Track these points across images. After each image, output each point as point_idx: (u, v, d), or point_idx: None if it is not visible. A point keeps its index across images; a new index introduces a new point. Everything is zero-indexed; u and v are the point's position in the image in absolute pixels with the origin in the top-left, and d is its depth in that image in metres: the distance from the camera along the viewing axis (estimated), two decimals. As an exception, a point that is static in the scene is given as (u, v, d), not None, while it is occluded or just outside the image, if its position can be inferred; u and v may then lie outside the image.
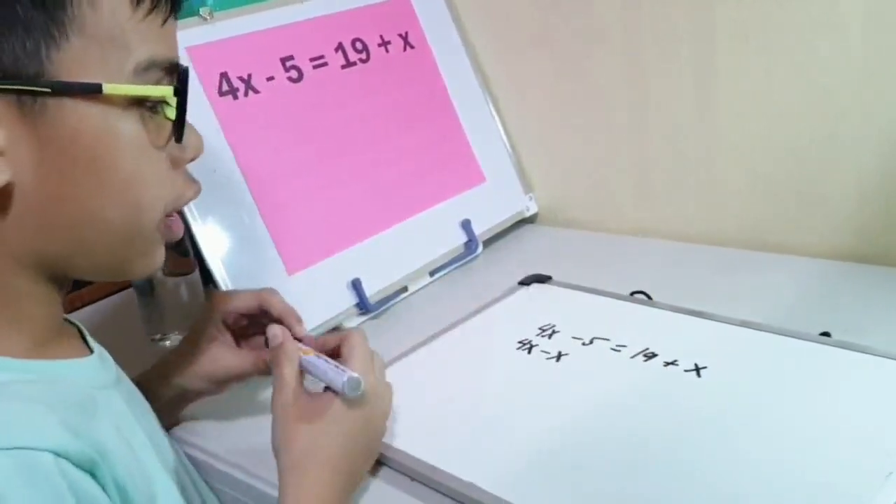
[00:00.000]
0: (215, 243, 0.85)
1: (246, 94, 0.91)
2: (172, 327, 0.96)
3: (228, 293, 0.76)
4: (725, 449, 0.60)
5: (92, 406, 0.55)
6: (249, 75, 0.92)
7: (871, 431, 0.60)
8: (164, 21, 0.54)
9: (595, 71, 1.07)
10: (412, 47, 1.09)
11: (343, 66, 1.01)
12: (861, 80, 0.86)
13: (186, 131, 0.56)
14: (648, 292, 0.86)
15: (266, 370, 0.72)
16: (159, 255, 0.59)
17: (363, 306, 0.93)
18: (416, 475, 0.64)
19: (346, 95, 1.00)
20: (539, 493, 0.59)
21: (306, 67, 0.97)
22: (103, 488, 0.50)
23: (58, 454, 0.47)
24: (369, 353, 0.67)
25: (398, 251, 0.99)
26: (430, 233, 1.03)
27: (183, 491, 0.62)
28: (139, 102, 0.53)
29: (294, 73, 0.96)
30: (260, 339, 0.75)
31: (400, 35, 1.08)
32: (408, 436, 0.68)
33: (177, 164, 0.58)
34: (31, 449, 0.46)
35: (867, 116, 0.87)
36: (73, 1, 0.49)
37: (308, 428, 0.61)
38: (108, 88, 0.50)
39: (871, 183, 0.88)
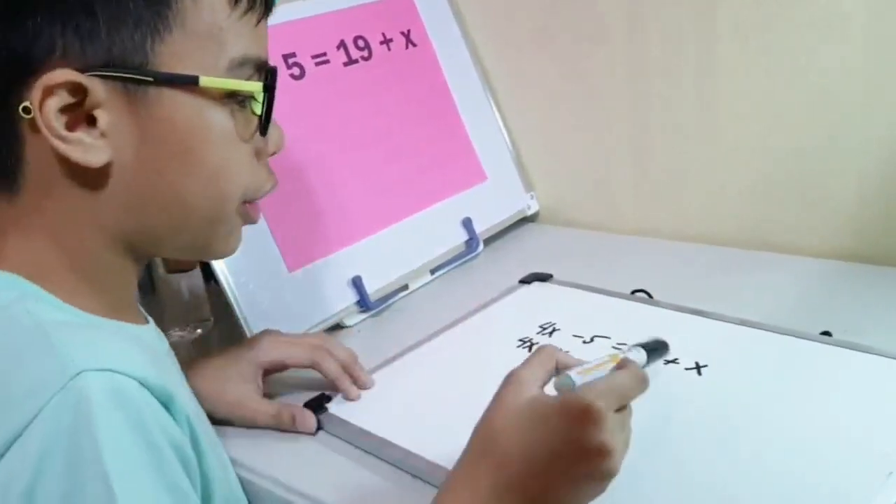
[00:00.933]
0: (217, 240, 0.85)
1: (248, 91, 0.91)
2: (173, 324, 0.96)
3: (279, 340, 0.76)
4: (725, 448, 0.60)
5: (162, 361, 0.59)
6: (251, 72, 0.92)
7: (871, 431, 0.60)
8: (258, 21, 0.58)
9: (597, 70, 1.07)
10: (414, 45, 1.09)
11: (345, 64, 1.01)
12: (862, 81, 0.86)
13: (270, 126, 0.60)
14: (649, 291, 0.86)
15: (287, 425, 0.73)
16: (237, 239, 0.63)
17: (364, 304, 0.94)
18: (417, 472, 0.64)
19: (348, 93, 1.00)
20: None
21: (308, 64, 0.97)
22: (176, 422, 0.53)
23: (141, 384, 0.50)
24: (623, 389, 0.54)
25: (399, 249, 0.99)
26: (431, 231, 1.03)
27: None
28: (231, 96, 0.57)
29: (296, 70, 0.96)
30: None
31: (402, 33, 1.08)
32: (407, 433, 0.68)
33: (260, 156, 0.62)
34: (121, 373, 0.49)
35: (868, 117, 0.87)
36: None
37: (502, 417, 0.53)
38: (204, 81, 0.54)
39: (871, 183, 0.88)
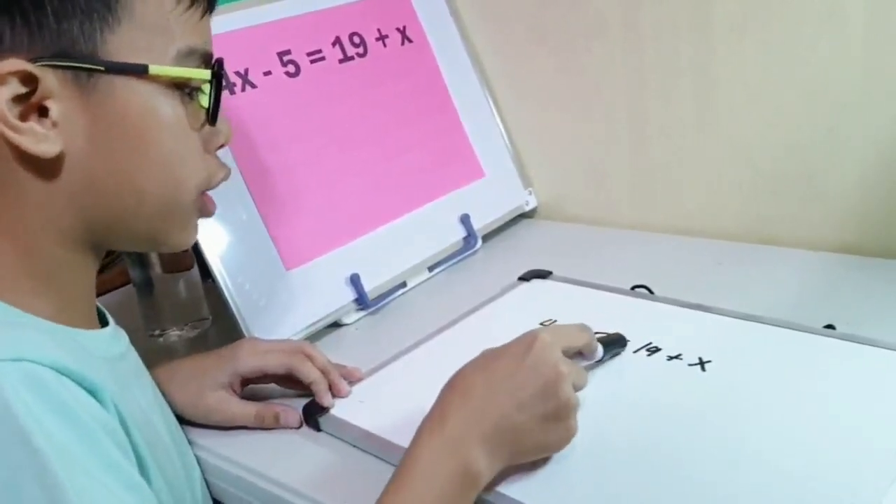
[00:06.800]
0: (213, 239, 0.84)
1: (243, 89, 0.90)
2: (171, 323, 0.96)
3: (256, 348, 0.76)
4: (730, 444, 0.60)
5: (95, 366, 0.57)
6: (246, 70, 0.91)
7: (876, 425, 0.59)
8: (202, 16, 0.59)
9: (594, 65, 1.06)
10: (410, 41, 1.08)
11: (341, 61, 1.00)
12: (861, 73, 0.86)
13: (219, 118, 0.61)
14: (650, 286, 0.86)
15: (270, 424, 0.73)
16: (194, 231, 0.64)
17: (362, 302, 0.93)
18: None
19: (344, 90, 0.99)
20: (542, 488, 0.58)
21: (303, 62, 0.97)
22: (105, 410, 0.53)
23: (59, 372, 0.50)
24: (569, 331, 0.64)
25: (397, 246, 0.99)
26: (429, 228, 1.03)
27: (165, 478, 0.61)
28: (179, 86, 0.58)
29: (291, 68, 0.95)
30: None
31: (398, 29, 1.07)
32: (408, 434, 0.67)
33: (209, 148, 0.62)
34: (33, 362, 0.49)
35: (868, 110, 0.86)
36: None
37: (465, 368, 0.61)
38: (153, 69, 0.56)
39: (872, 176, 0.88)
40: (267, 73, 0.93)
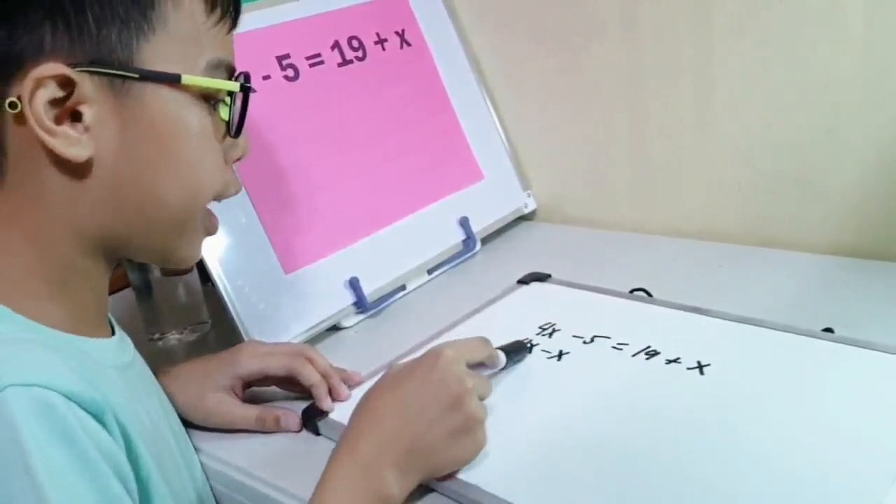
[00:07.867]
0: (213, 243, 0.84)
1: (242, 93, 0.90)
2: (170, 327, 0.96)
3: (257, 351, 0.76)
4: (728, 448, 0.60)
5: (106, 376, 0.59)
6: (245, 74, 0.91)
7: (875, 428, 0.59)
8: (229, 30, 0.61)
9: (593, 66, 1.06)
10: (409, 44, 1.08)
11: (340, 64, 1.00)
12: (861, 74, 0.85)
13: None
14: (648, 289, 0.86)
15: (271, 427, 0.73)
16: (200, 247, 0.65)
17: (361, 305, 0.93)
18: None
19: (343, 94, 0.99)
20: (540, 492, 0.58)
21: (302, 66, 0.97)
22: (110, 433, 0.53)
23: (67, 397, 0.50)
24: (469, 345, 0.66)
25: (396, 249, 0.98)
26: (428, 231, 1.03)
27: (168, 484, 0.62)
28: (206, 98, 0.59)
29: (290, 72, 0.95)
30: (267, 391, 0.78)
31: (396, 32, 1.07)
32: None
33: (226, 160, 0.64)
34: (45, 387, 0.50)
35: (868, 110, 0.86)
36: (161, 1, 0.56)
37: (375, 389, 0.63)
38: (185, 79, 0.57)
39: (871, 178, 0.88)
40: (266, 78, 0.93)
